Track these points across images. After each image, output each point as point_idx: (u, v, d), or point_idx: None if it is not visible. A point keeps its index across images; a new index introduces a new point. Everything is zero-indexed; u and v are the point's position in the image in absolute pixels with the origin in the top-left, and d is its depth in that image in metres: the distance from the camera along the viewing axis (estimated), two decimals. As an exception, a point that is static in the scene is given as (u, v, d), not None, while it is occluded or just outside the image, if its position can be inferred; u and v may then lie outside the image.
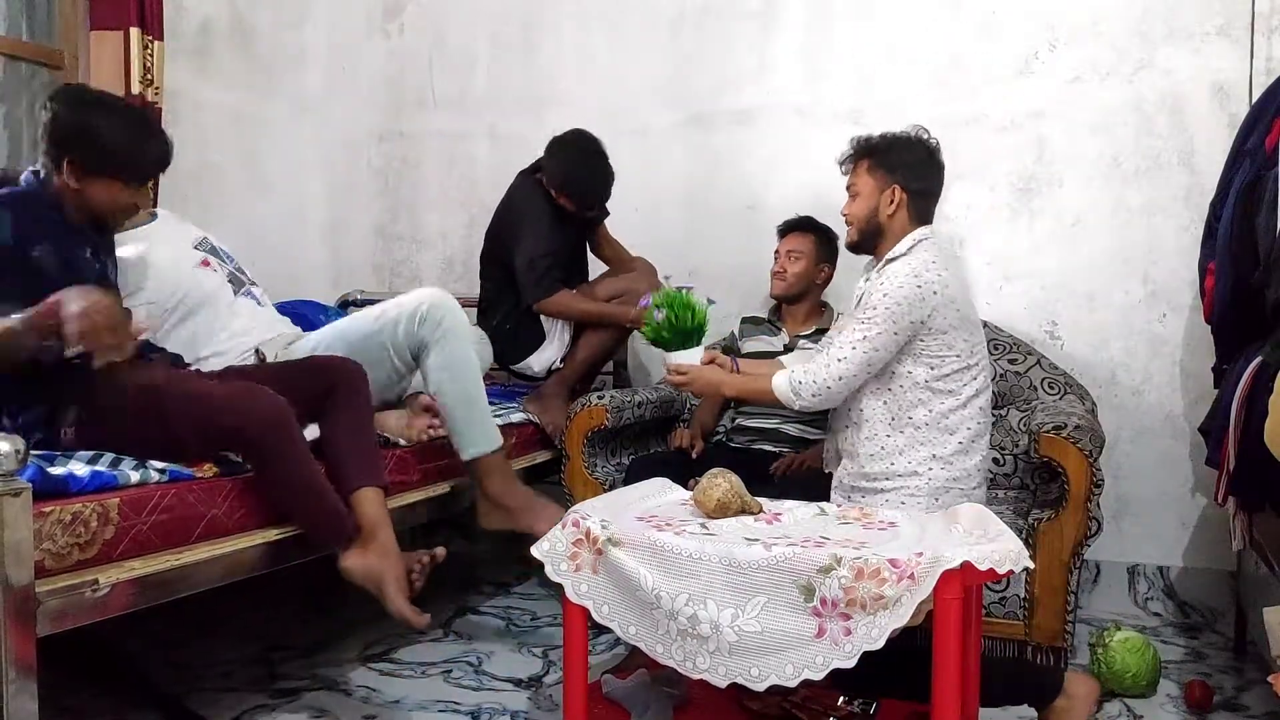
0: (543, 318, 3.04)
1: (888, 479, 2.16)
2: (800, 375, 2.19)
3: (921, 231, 2.22)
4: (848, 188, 2.28)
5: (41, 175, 2.02)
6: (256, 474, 1.91)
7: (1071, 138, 3.04)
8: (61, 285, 1.83)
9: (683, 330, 2.24)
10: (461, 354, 2.36)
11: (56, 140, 1.98)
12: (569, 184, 2.96)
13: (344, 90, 3.85)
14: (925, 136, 2.25)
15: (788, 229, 2.92)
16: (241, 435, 1.86)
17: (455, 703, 2.29)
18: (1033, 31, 3.07)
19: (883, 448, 2.17)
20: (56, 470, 1.62)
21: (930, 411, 2.14)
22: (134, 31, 3.73)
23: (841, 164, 2.31)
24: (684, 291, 2.26)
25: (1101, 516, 2.36)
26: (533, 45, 3.63)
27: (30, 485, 1.45)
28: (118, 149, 1.98)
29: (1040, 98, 3.06)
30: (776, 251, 2.91)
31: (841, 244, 2.54)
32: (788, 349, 2.85)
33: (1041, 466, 2.45)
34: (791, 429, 2.79)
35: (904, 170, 2.21)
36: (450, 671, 2.49)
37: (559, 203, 2.99)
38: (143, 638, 2.62)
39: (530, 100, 3.60)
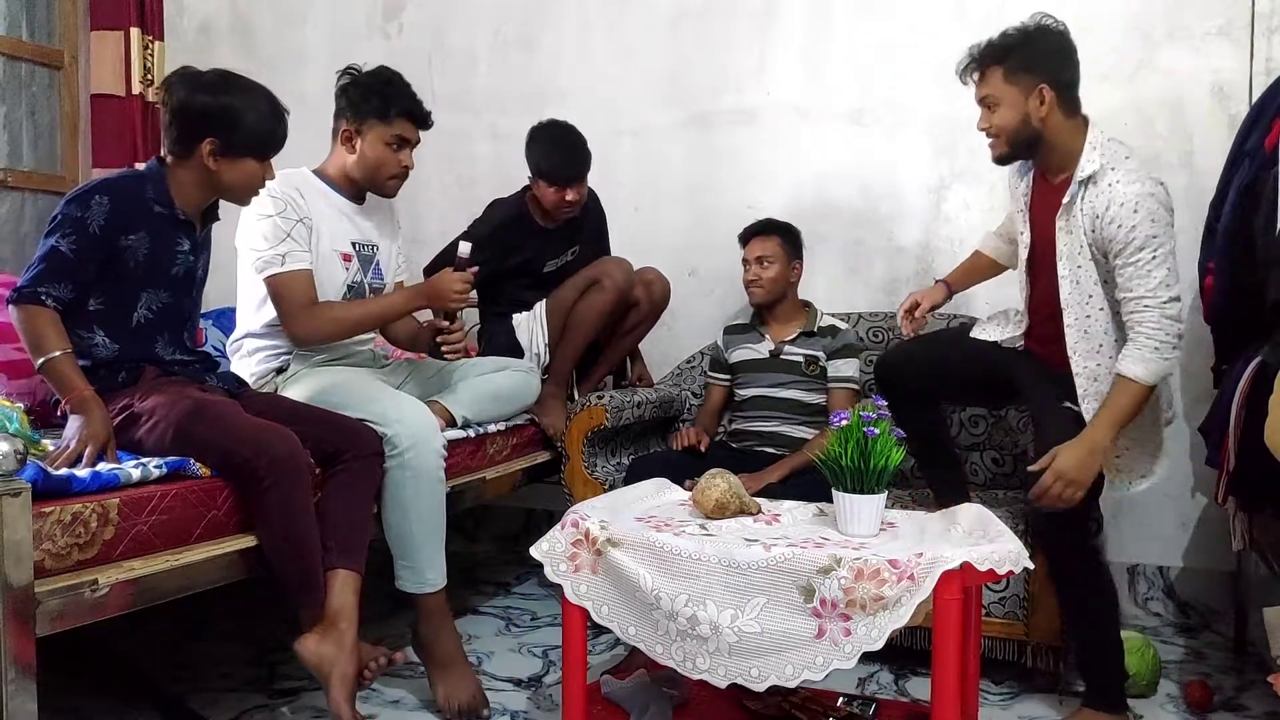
0: (516, 331, 3.01)
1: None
2: (1142, 344, 2.03)
3: (1117, 144, 2.06)
4: (981, 100, 2.09)
5: (169, 161, 2.02)
6: (251, 509, 1.87)
7: (1071, 138, 3.03)
8: (143, 274, 1.98)
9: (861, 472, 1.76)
10: (414, 490, 2.13)
11: (191, 124, 1.97)
12: (539, 159, 2.92)
13: (344, 90, 3.84)
14: (1052, 22, 2.07)
15: (750, 235, 2.89)
16: (248, 467, 1.83)
17: (455, 703, 2.29)
18: (1033, 31, 3.06)
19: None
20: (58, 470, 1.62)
21: None
22: (134, 31, 3.75)
23: (963, 74, 2.12)
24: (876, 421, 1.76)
25: (1101, 516, 2.36)
26: (533, 44, 3.63)
27: (30, 485, 1.45)
28: (259, 128, 2.01)
29: (1040, 98, 3.06)
30: (745, 260, 2.87)
31: (988, 159, 2.22)
32: (774, 355, 2.85)
33: (1042, 467, 2.44)
34: (793, 430, 2.78)
35: (1045, 65, 2.03)
36: (450, 671, 2.49)
37: (536, 201, 2.96)
38: (143, 638, 2.62)
39: (530, 99, 3.59)
